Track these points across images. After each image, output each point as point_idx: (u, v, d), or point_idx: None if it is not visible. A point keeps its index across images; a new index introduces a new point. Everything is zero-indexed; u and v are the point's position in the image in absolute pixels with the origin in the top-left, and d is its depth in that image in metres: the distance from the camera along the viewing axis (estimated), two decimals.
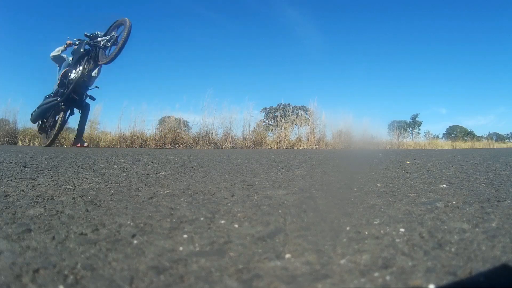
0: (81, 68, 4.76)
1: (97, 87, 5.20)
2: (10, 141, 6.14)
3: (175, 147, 6.44)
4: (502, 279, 0.51)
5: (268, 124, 9.57)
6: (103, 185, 1.26)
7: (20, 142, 6.14)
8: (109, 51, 4.69)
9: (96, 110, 6.93)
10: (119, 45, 4.36)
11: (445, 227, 0.74)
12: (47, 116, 5.03)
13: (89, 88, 5.09)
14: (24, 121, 6.55)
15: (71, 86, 4.69)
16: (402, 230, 0.72)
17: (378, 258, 0.56)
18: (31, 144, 6.03)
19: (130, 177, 1.50)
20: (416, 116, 37.72)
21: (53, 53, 5.02)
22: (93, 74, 5.03)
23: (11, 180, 1.32)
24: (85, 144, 5.16)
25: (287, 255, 0.57)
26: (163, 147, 6.34)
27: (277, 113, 8.84)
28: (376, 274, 0.50)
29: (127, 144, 6.39)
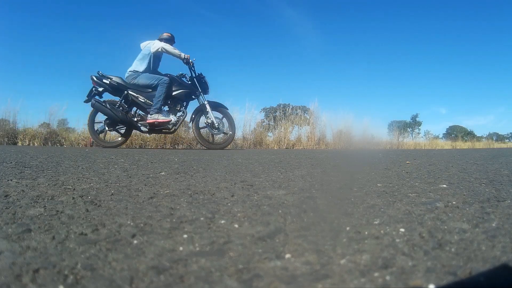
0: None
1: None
2: (10, 141, 6.14)
3: (175, 147, 6.44)
4: (502, 279, 0.51)
5: (268, 124, 9.56)
6: (103, 185, 1.26)
7: (20, 142, 6.14)
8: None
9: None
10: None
11: (445, 227, 0.74)
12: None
13: None
14: (24, 121, 6.56)
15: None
16: (402, 230, 0.72)
17: (378, 258, 0.56)
18: (31, 144, 6.03)
19: (130, 177, 1.50)
20: (416, 116, 37.72)
21: (170, 50, 4.76)
22: None
23: (11, 180, 1.32)
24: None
25: (287, 255, 0.57)
26: (163, 147, 6.34)
27: (277, 113, 8.84)
28: (376, 274, 0.50)
29: (127, 144, 6.38)
